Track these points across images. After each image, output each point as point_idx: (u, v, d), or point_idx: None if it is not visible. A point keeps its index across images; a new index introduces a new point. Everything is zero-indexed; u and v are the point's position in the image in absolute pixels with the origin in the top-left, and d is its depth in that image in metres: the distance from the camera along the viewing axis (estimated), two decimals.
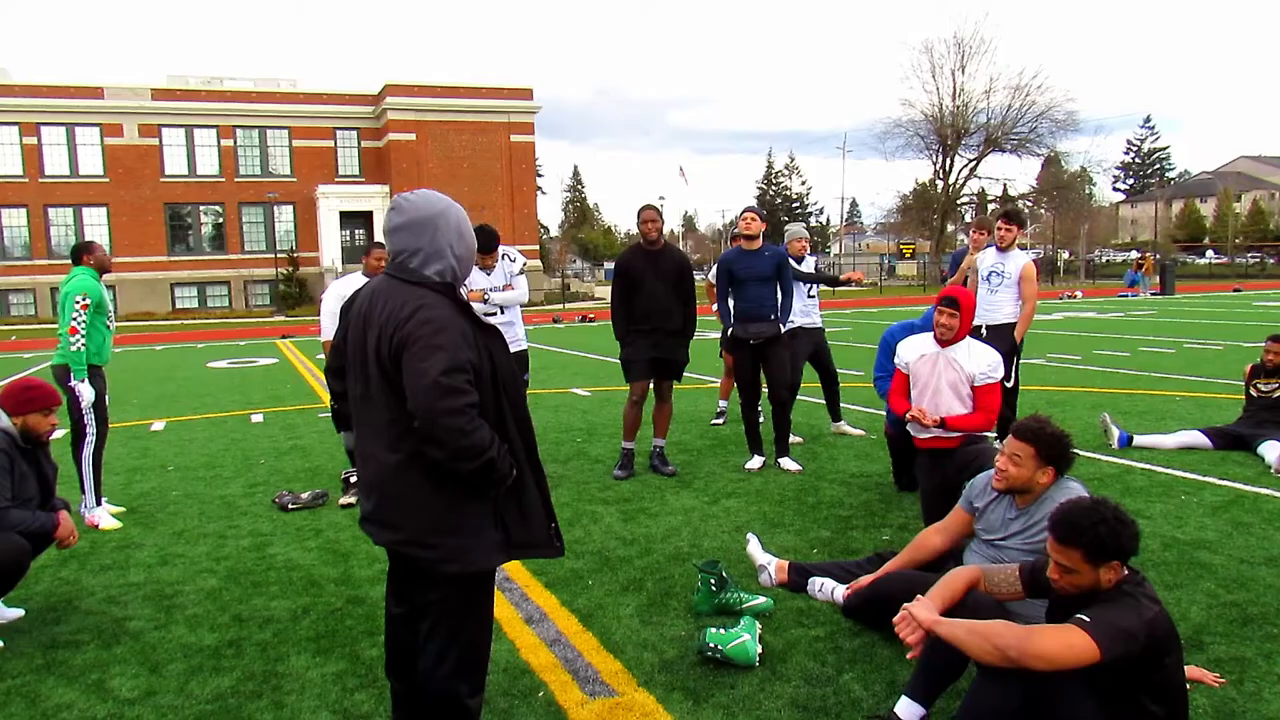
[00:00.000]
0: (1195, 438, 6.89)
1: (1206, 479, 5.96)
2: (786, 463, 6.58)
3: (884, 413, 6.06)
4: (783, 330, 6.50)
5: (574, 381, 12.37)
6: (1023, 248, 7.89)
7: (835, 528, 5.13)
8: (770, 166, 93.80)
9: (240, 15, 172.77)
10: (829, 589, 3.76)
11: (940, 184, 53.67)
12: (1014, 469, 3.29)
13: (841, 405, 7.93)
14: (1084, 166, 56.41)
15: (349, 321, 2.65)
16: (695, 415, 8.96)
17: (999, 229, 6.63)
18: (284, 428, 9.24)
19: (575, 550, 4.79)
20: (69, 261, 5.87)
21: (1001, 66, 56.01)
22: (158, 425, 9.67)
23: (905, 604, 2.74)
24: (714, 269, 7.10)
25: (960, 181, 53.44)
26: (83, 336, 5.58)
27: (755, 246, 6.50)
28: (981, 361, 4.63)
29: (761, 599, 3.93)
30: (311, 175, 43.18)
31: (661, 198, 71.00)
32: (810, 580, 3.85)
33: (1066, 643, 2.38)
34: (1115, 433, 7.00)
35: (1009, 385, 6.31)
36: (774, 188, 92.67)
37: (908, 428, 4.84)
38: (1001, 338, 6.27)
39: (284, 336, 25.31)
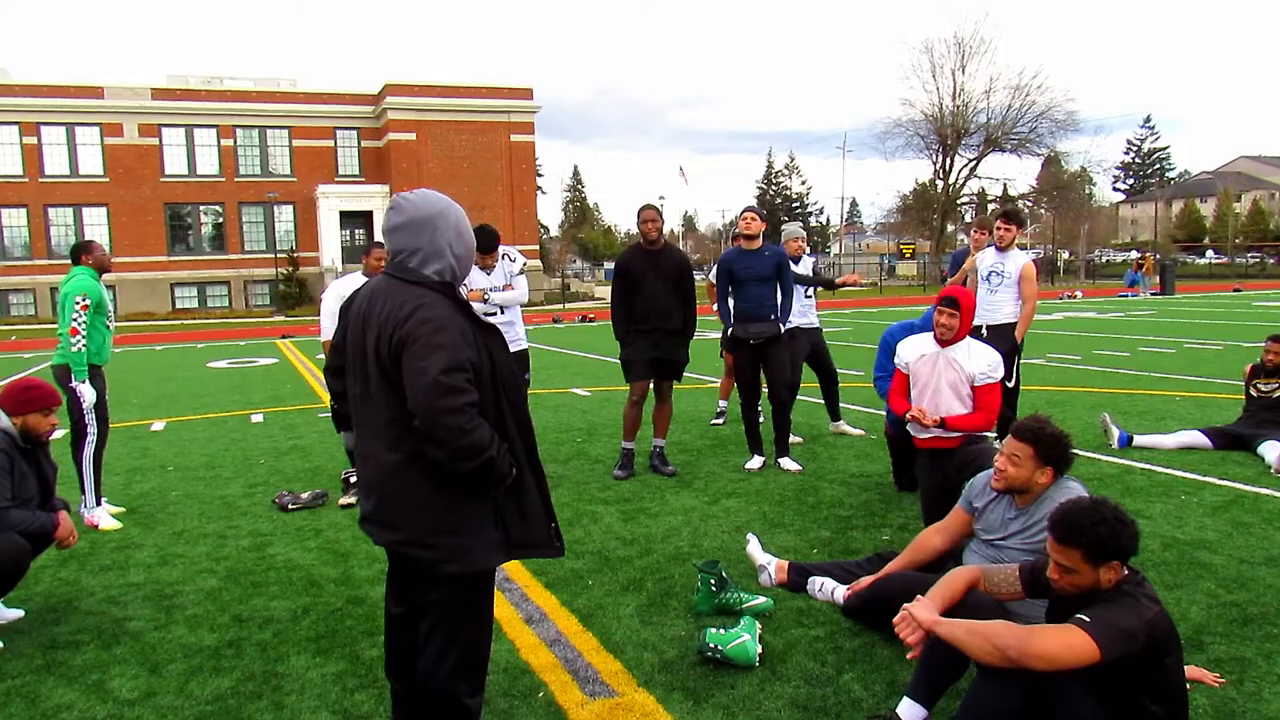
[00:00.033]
0: (1195, 438, 6.89)
1: (1206, 479, 5.96)
2: (786, 463, 6.58)
3: (884, 413, 6.06)
4: (783, 330, 6.51)
5: (574, 381, 12.37)
6: (1022, 248, 7.89)
7: (835, 528, 5.13)
8: (770, 166, 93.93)
9: (240, 15, 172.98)
10: (829, 589, 3.76)
11: (940, 184, 53.66)
12: (1013, 469, 3.29)
13: (841, 405, 7.93)
14: (1084, 166, 56.47)
15: (348, 321, 2.65)
16: (695, 415, 8.96)
17: (998, 229, 6.62)
18: (284, 428, 9.25)
19: (575, 550, 4.79)
20: (69, 261, 5.86)
21: (1001, 66, 55.90)
22: (158, 425, 9.67)
23: (905, 604, 2.74)
24: (714, 269, 7.10)
25: (960, 181, 53.47)
26: (83, 337, 5.58)
27: (755, 246, 6.50)
28: (981, 361, 4.63)
29: (761, 599, 3.93)
30: (311, 175, 43.16)
31: (661, 198, 70.99)
32: (810, 580, 3.86)
33: (1066, 643, 2.38)
34: (1115, 433, 7.01)
35: (1010, 385, 6.31)
36: (774, 188, 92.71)
37: (908, 428, 4.84)
38: (1002, 338, 6.27)
39: (284, 336, 25.30)
